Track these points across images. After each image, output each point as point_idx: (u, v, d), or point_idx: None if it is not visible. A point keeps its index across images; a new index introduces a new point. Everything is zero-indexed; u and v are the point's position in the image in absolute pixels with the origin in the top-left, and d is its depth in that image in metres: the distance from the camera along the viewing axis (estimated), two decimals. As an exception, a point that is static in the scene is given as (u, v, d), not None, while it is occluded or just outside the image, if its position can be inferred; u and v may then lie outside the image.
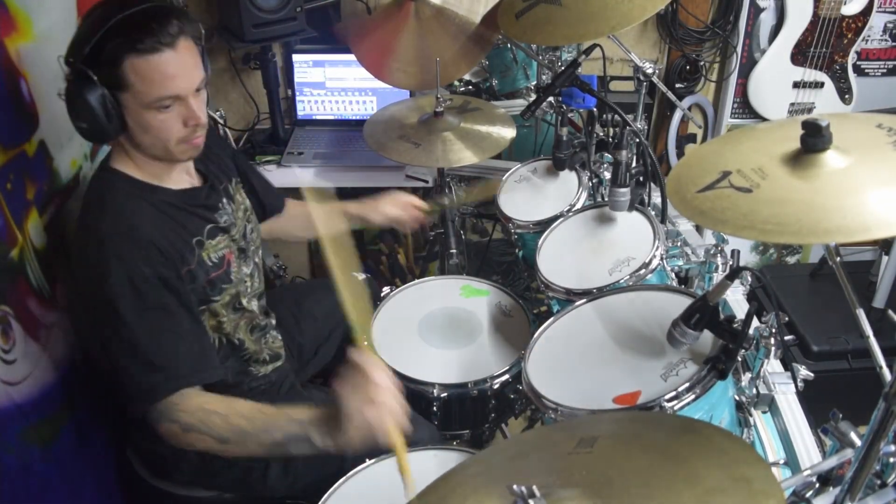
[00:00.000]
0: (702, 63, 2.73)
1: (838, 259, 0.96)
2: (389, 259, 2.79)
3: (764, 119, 2.78)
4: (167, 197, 1.34)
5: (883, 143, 0.81)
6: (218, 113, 2.15)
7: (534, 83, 2.45)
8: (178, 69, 1.22)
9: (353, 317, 1.23)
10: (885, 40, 2.72)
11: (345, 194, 2.77)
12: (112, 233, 1.23)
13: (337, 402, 1.11)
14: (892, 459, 0.82)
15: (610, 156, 1.85)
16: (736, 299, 1.52)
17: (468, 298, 1.79)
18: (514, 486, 0.69)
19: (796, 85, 2.67)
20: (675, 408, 1.05)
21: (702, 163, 0.89)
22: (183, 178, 1.40)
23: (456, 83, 2.54)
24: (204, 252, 1.36)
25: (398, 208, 1.76)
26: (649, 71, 1.72)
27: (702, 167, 0.87)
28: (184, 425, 1.21)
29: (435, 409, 1.54)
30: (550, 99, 1.80)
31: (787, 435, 1.23)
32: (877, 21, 2.63)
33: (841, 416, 0.89)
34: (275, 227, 1.77)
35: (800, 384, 1.29)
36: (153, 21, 1.19)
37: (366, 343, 1.22)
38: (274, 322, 1.62)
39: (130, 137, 1.28)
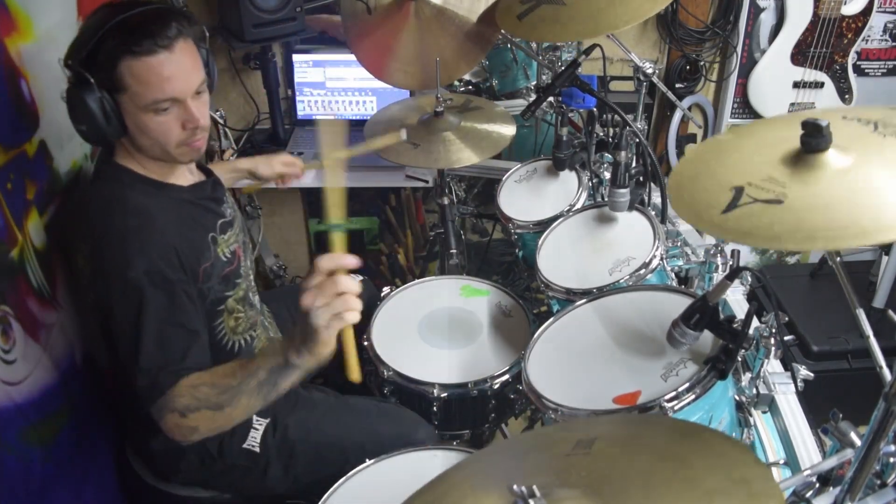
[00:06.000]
0: (702, 63, 2.72)
1: (838, 259, 0.96)
2: (389, 259, 2.79)
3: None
4: (180, 193, 1.36)
5: (865, 133, 0.82)
6: (218, 113, 2.15)
7: (534, 83, 2.45)
8: (174, 71, 1.21)
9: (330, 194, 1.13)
10: (885, 40, 2.72)
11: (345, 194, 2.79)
12: (137, 231, 1.23)
13: (303, 318, 1.06)
14: (892, 459, 0.82)
15: (610, 156, 1.85)
16: (736, 299, 1.52)
17: (468, 298, 1.79)
18: (514, 486, 0.69)
19: (796, 85, 2.67)
20: (675, 408, 1.05)
21: (705, 183, 0.87)
22: (187, 175, 1.41)
23: (456, 83, 2.54)
24: (218, 248, 1.38)
25: (287, 167, 1.83)
26: (649, 71, 1.72)
27: (708, 187, 0.85)
28: (181, 409, 1.18)
29: (435, 409, 1.54)
30: (550, 99, 1.80)
31: (787, 435, 1.23)
32: (877, 21, 2.63)
33: (841, 416, 0.89)
34: None
35: (800, 384, 1.29)
36: (151, 23, 1.19)
37: (336, 226, 1.11)
38: (274, 323, 1.62)
39: (131, 139, 1.28)
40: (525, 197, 1.88)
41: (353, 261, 1.05)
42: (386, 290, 1.81)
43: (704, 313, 1.08)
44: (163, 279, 1.22)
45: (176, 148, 1.29)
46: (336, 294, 1.03)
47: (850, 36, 2.57)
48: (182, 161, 1.34)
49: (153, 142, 1.27)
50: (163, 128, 1.25)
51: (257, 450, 1.43)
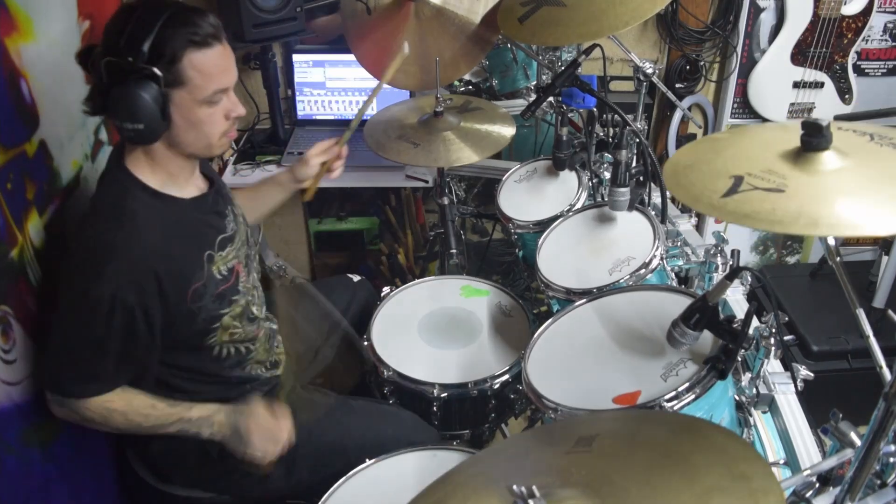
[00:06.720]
0: (702, 63, 2.72)
1: (838, 259, 0.96)
2: (389, 259, 2.79)
3: (764, 119, 2.78)
4: (181, 207, 1.32)
5: (863, 142, 0.82)
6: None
7: (534, 83, 2.45)
8: (228, 62, 1.25)
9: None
10: (885, 40, 2.72)
11: (345, 194, 2.79)
12: (122, 248, 1.20)
13: (246, 417, 1.33)
14: (892, 459, 0.82)
15: (610, 156, 1.85)
16: (736, 299, 1.51)
17: (468, 298, 1.79)
18: (514, 486, 0.69)
19: (796, 85, 2.67)
20: (675, 408, 1.05)
21: (703, 171, 0.86)
22: (194, 183, 1.38)
23: (456, 83, 2.54)
24: (214, 266, 1.34)
25: (322, 154, 1.69)
26: (649, 71, 1.72)
27: (705, 175, 0.84)
28: (84, 418, 1.27)
29: (435, 409, 1.54)
30: (550, 99, 1.80)
31: (787, 435, 1.23)
32: (877, 21, 2.63)
33: (841, 416, 0.89)
34: None
35: (800, 384, 1.29)
36: (199, 17, 1.20)
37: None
38: (276, 328, 1.61)
39: (168, 137, 1.26)
40: (525, 197, 1.88)
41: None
42: (386, 290, 1.81)
43: (704, 313, 1.08)
44: (123, 306, 1.19)
45: (219, 139, 1.30)
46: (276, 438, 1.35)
47: (850, 36, 2.57)
48: (217, 154, 1.35)
49: (199, 135, 1.27)
50: (212, 119, 1.27)
51: None
